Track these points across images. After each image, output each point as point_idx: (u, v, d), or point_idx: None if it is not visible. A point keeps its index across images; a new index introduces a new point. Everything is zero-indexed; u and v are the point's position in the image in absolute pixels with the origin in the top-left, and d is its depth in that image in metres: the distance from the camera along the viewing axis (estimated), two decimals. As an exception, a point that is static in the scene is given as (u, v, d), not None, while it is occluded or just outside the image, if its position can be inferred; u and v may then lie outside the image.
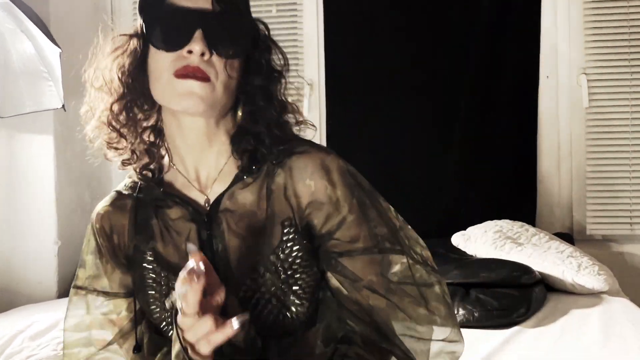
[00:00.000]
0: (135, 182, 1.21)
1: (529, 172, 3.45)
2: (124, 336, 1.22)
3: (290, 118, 1.20)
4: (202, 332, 0.99)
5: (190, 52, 1.09)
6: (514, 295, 2.50)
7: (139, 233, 1.19)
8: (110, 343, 1.22)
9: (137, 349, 1.20)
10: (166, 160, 1.21)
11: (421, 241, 1.21)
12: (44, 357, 2.38)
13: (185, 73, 1.09)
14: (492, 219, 3.17)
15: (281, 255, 1.14)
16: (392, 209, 1.20)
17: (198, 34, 1.09)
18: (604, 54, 3.35)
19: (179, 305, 1.01)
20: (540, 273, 2.71)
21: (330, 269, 1.17)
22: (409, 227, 1.21)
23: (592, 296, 2.66)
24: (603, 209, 3.38)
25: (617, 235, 3.39)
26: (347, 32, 3.53)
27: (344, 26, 3.54)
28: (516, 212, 3.28)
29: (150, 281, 1.18)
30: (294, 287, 1.14)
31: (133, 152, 1.18)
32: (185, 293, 0.98)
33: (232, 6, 1.12)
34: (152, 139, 1.19)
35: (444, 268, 2.71)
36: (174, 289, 1.14)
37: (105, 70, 1.15)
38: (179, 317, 1.01)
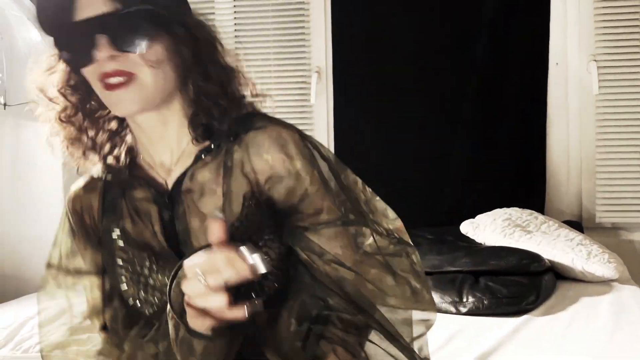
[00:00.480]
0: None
1: (538, 160, 3.43)
2: (97, 313, 1.22)
3: (244, 91, 1.19)
4: (215, 305, 0.93)
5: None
6: (524, 283, 2.50)
7: (108, 213, 1.21)
8: (84, 320, 1.23)
9: (104, 327, 1.21)
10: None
11: (390, 213, 1.20)
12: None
13: (107, 82, 1.08)
14: (501, 207, 3.16)
15: (240, 227, 1.13)
16: (359, 181, 1.20)
17: (102, 40, 1.06)
18: (614, 40, 3.32)
19: (191, 272, 0.93)
20: (550, 261, 2.70)
21: (296, 244, 1.16)
22: (378, 198, 1.20)
23: (602, 284, 2.65)
24: (613, 197, 3.36)
25: (627, 223, 3.37)
26: (355, 19, 3.51)
27: (352, 13, 3.51)
28: (525, 200, 3.26)
29: (119, 259, 1.19)
30: None
31: (94, 142, 1.19)
32: (227, 277, 0.90)
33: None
34: (114, 126, 1.21)
35: (453, 256, 2.70)
36: (142, 266, 1.16)
37: (44, 86, 1.18)
38: (187, 283, 0.94)
